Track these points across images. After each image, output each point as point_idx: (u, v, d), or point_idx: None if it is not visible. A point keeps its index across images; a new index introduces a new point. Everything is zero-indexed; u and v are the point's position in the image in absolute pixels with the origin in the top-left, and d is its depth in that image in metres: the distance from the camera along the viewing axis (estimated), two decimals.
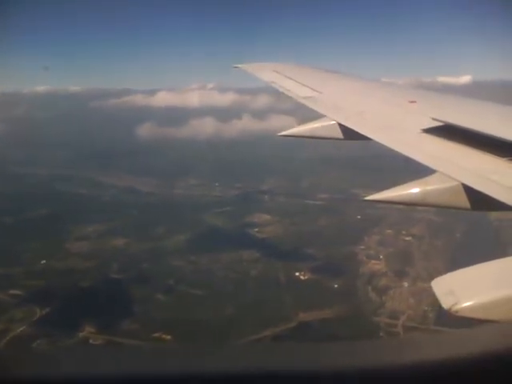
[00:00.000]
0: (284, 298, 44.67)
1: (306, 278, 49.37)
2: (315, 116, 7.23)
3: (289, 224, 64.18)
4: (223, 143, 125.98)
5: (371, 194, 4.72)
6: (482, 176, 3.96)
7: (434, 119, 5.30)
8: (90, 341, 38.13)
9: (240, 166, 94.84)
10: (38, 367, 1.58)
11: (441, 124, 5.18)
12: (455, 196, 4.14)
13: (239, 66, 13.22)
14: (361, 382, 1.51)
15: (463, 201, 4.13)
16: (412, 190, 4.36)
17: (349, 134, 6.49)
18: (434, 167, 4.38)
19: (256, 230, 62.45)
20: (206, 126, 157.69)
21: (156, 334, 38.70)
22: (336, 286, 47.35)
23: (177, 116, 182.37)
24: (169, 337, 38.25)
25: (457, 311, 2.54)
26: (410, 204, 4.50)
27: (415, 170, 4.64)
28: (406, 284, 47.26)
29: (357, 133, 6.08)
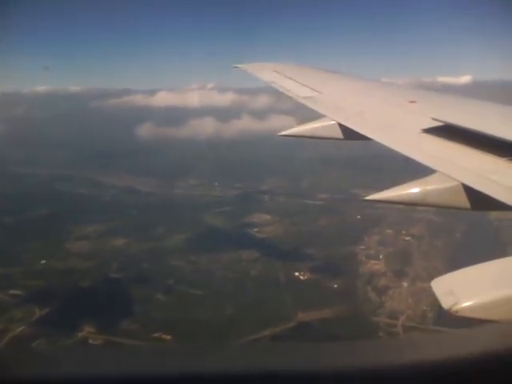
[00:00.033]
0: (283, 297, 44.67)
1: (305, 277, 49.38)
2: (315, 116, 7.23)
3: (288, 224, 64.18)
4: (223, 143, 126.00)
5: (371, 193, 4.72)
6: (482, 176, 3.96)
7: (434, 119, 5.30)
8: (90, 341, 38.10)
9: (240, 165, 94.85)
10: (37, 367, 1.58)
11: (441, 124, 5.18)
12: (455, 196, 4.14)
13: (239, 66, 13.22)
14: (360, 382, 1.51)
15: (463, 201, 4.13)
16: (412, 189, 4.36)
17: (349, 133, 6.49)
18: (434, 167, 4.38)
19: (256, 229, 62.45)
20: (206, 126, 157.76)
21: (156, 334, 38.69)
22: (335, 285, 47.35)
23: (177, 116, 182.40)
24: (168, 337, 38.24)
25: (457, 311, 2.54)
26: (410, 204, 4.50)
27: (415, 170, 4.64)
28: (405, 284, 47.27)
29: (357, 133, 6.08)
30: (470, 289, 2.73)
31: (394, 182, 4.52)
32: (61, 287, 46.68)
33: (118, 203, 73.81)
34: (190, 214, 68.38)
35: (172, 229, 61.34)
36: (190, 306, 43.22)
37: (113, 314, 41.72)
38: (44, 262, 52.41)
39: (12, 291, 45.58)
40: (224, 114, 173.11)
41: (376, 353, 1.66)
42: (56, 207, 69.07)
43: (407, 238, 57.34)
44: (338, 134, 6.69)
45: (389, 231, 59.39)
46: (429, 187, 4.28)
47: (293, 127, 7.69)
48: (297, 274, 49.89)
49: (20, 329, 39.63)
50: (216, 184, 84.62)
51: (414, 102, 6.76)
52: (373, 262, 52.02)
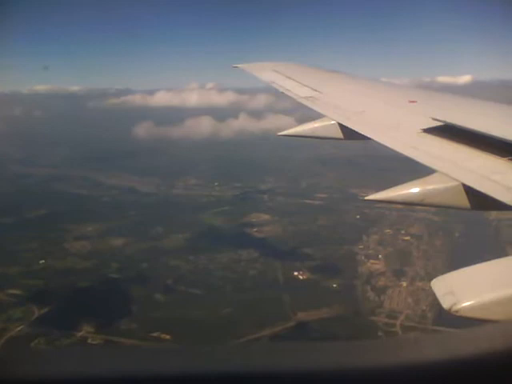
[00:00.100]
0: (282, 297, 44.67)
1: (304, 277, 49.39)
2: (314, 116, 7.23)
3: (288, 224, 64.18)
4: (222, 143, 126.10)
5: (371, 193, 4.72)
6: (482, 176, 3.96)
7: (434, 119, 5.31)
8: (89, 340, 38.09)
9: (239, 165, 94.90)
10: (36, 367, 1.58)
11: (441, 124, 5.18)
12: (455, 196, 4.13)
13: (238, 65, 13.20)
14: (359, 382, 1.51)
15: (463, 201, 4.13)
16: (412, 189, 4.35)
17: (349, 133, 6.49)
18: (434, 167, 4.38)
19: (255, 229, 62.45)
20: (205, 126, 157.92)
21: (154, 334, 38.69)
22: (334, 285, 47.36)
23: (176, 116, 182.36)
24: (167, 336, 38.24)
25: (457, 311, 2.54)
26: (410, 204, 4.49)
27: (415, 170, 4.64)
28: (404, 284, 47.29)
29: (357, 133, 6.08)
30: (469, 289, 2.74)
31: (394, 182, 4.52)
32: (60, 287, 46.65)
33: (117, 203, 73.77)
34: (189, 213, 68.36)
35: (171, 228, 61.32)
36: (189, 305, 43.22)
37: (112, 314, 41.70)
38: (43, 261, 52.36)
39: (11, 291, 45.54)
40: (223, 114, 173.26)
41: (375, 352, 1.66)
42: (55, 207, 69.06)
43: (406, 238, 57.36)
44: (338, 133, 6.69)
45: (388, 231, 59.42)
46: (428, 187, 4.28)
47: (292, 127, 7.68)
48: (296, 273, 49.91)
49: (19, 328, 39.58)
50: (215, 184, 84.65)
51: (414, 101, 6.76)
52: (372, 261, 52.04)
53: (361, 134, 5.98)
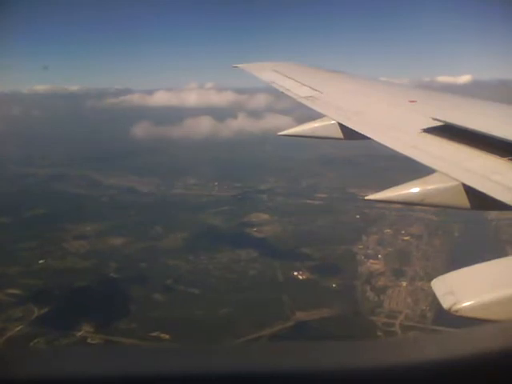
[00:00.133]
0: (282, 297, 44.68)
1: (304, 277, 49.40)
2: (314, 116, 7.23)
3: (287, 223, 64.20)
4: (222, 143, 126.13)
5: (371, 193, 4.71)
6: (482, 176, 3.96)
7: (434, 119, 5.30)
8: (88, 340, 38.09)
9: (239, 165, 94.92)
10: (35, 366, 1.57)
11: (441, 124, 5.18)
12: (455, 196, 4.13)
13: (238, 65, 13.20)
14: (359, 382, 1.51)
15: (463, 200, 4.12)
16: (412, 189, 4.35)
17: (349, 133, 6.49)
18: (434, 167, 4.38)
19: (254, 229, 62.45)
20: (205, 126, 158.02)
21: (154, 334, 38.69)
22: (334, 285, 47.38)
23: (175, 116, 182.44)
24: (166, 336, 38.25)
25: (457, 311, 2.55)
26: (410, 204, 4.49)
27: (415, 170, 4.64)
28: (404, 283, 47.31)
29: (357, 132, 6.08)
30: (469, 289, 2.74)
31: (394, 182, 4.52)
32: (59, 286, 46.62)
33: (116, 203, 73.76)
34: (189, 213, 68.35)
35: (170, 228, 61.31)
36: (188, 305, 43.22)
37: (111, 314, 41.70)
38: (42, 261, 52.36)
39: (10, 290, 45.53)
40: (222, 114, 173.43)
41: (374, 352, 1.65)
42: (54, 206, 69.01)
43: (406, 238, 57.39)
44: (338, 133, 6.69)
45: (388, 231, 59.44)
46: (428, 187, 4.28)
47: (291, 127, 7.68)
48: (295, 273, 49.93)
49: (18, 328, 39.58)
50: (215, 183, 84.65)
51: (414, 101, 6.76)
52: (372, 261, 52.06)
53: (361, 134, 5.98)
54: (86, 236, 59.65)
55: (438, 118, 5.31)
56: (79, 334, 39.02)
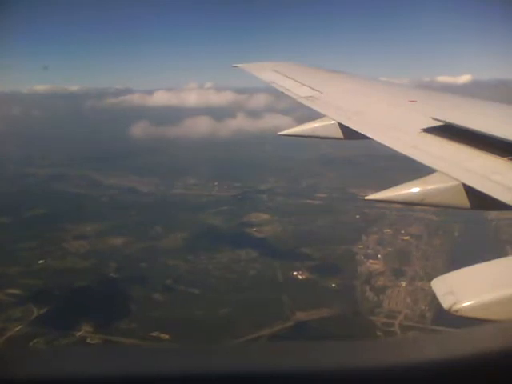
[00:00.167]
0: (282, 297, 44.68)
1: (303, 277, 49.41)
2: (313, 115, 7.23)
3: (287, 223, 64.21)
4: (222, 143, 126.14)
5: (371, 193, 4.71)
6: (482, 176, 3.96)
7: (434, 119, 5.30)
8: (88, 340, 38.08)
9: (239, 165, 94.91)
10: (35, 367, 1.57)
11: (441, 124, 5.18)
12: (455, 196, 4.13)
13: (238, 65, 13.20)
14: (358, 382, 1.50)
15: (463, 200, 4.12)
16: (412, 189, 4.35)
17: (349, 133, 6.49)
18: (434, 167, 4.38)
19: (254, 229, 62.46)
20: (204, 126, 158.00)
21: (153, 334, 38.69)
22: (334, 285, 47.38)
23: (175, 115, 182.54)
24: (166, 336, 38.24)
25: (457, 311, 2.54)
26: (410, 204, 4.49)
27: (415, 170, 4.64)
28: (403, 283, 47.31)
29: (357, 132, 6.08)
30: (469, 289, 2.74)
31: (394, 182, 4.51)
32: (59, 286, 46.62)
33: (116, 202, 73.76)
34: (189, 213, 68.35)
35: (170, 228, 61.31)
36: (188, 305, 43.22)
37: (111, 314, 41.69)
38: (42, 261, 52.35)
39: (10, 290, 45.52)
40: (222, 114, 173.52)
41: (374, 352, 1.65)
42: (54, 206, 69.01)
43: (406, 238, 57.40)
44: (338, 133, 6.69)
45: (387, 231, 59.45)
46: (428, 187, 4.27)
47: (291, 127, 7.68)
48: (295, 273, 49.93)
49: (18, 328, 39.57)
50: (215, 183, 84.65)
51: (414, 101, 6.76)
52: (371, 261, 52.07)
53: (361, 134, 5.98)
54: (86, 236, 59.64)
55: (438, 117, 5.32)
56: (79, 334, 39.01)
